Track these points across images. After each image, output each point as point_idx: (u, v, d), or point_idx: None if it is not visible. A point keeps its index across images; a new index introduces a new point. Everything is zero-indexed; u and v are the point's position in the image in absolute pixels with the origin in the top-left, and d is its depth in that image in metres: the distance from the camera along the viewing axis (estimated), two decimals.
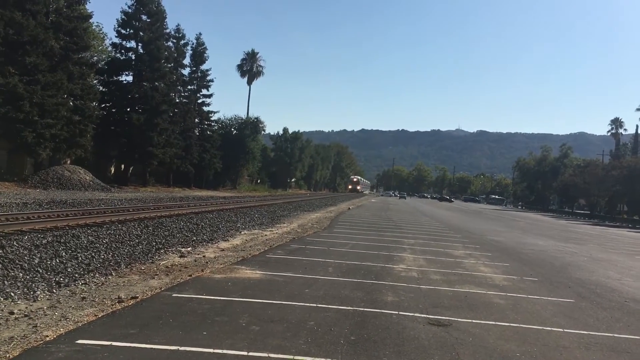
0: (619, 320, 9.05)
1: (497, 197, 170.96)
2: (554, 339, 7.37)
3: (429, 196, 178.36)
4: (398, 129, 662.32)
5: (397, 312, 8.18)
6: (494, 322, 8.03)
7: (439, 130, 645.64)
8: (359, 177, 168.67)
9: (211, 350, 5.76)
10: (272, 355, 5.76)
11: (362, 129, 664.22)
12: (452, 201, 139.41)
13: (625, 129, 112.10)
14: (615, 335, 7.92)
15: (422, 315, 8.12)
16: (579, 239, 31.34)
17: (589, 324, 8.50)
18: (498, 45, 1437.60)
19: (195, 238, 16.43)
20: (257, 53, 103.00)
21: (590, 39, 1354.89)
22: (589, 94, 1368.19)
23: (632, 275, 15.64)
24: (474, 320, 8.04)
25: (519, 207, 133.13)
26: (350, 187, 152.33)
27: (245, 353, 5.76)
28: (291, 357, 5.74)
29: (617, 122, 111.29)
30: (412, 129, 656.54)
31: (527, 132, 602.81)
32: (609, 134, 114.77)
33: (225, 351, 5.78)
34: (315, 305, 8.27)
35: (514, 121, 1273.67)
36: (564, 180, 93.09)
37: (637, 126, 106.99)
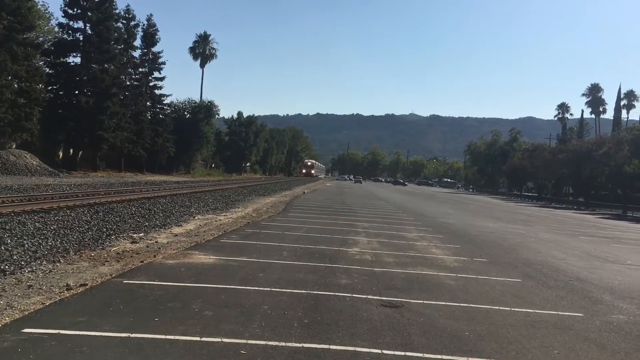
0: (563, 298, 9.39)
1: (449, 180, 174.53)
2: (501, 318, 7.60)
3: (383, 180, 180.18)
4: (353, 113, 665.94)
5: (350, 295, 8.27)
6: (444, 303, 8.21)
7: (393, 114, 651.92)
8: (314, 161, 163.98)
9: (163, 337, 5.70)
10: (225, 340, 5.74)
11: (317, 113, 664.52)
12: (406, 185, 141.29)
13: (571, 114, 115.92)
14: (560, 312, 8.21)
15: (375, 297, 8.23)
16: (526, 220, 32.30)
17: (535, 303, 8.78)
18: (450, 33, 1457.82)
19: (147, 223, 16.16)
20: (210, 35, 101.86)
21: (538, 27, 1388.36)
22: (537, 79, 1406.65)
23: (576, 255, 16.24)
24: (425, 301, 8.20)
25: (470, 190, 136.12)
26: (304, 171, 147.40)
27: (197, 338, 5.73)
28: (244, 341, 5.73)
29: (563, 107, 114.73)
30: (366, 113, 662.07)
31: (479, 116, 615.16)
32: (556, 118, 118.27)
33: (177, 337, 5.72)
34: (269, 289, 8.27)
35: (466, 106, 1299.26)
36: (513, 164, 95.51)
37: (582, 111, 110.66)
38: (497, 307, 8.21)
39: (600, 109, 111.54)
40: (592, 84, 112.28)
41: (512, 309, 8.21)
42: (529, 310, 8.16)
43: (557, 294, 9.74)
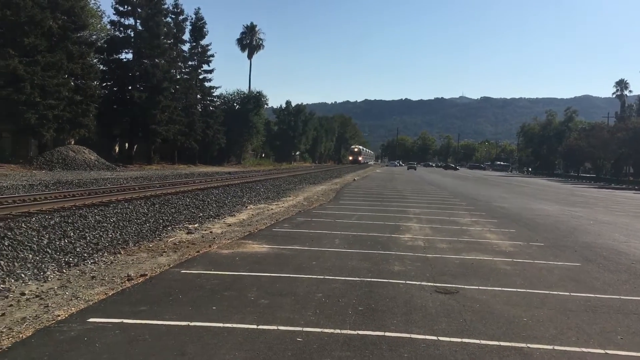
0: (626, 282, 9.08)
1: (502, 163, 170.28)
2: (560, 303, 7.41)
3: (434, 165, 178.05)
4: (401, 98, 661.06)
5: (404, 282, 8.23)
6: (500, 288, 8.08)
7: (442, 98, 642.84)
8: (361, 147, 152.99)
9: (221, 325, 5.83)
10: (281, 327, 5.83)
11: (366, 100, 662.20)
12: (458, 169, 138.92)
13: (630, 91, 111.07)
14: (622, 297, 7.95)
15: (429, 284, 8.17)
16: (584, 202, 31.30)
17: (596, 287, 8.53)
18: (500, 11, 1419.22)
19: (201, 214, 16.50)
20: (256, 26, 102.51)
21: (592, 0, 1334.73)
22: (593, 55, 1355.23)
23: (639, 237, 15.64)
24: (480, 287, 8.09)
25: (525, 172, 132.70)
26: (351, 158, 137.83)
27: (254, 326, 5.83)
28: (300, 329, 5.80)
29: (622, 84, 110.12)
30: (415, 98, 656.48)
31: (531, 96, 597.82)
32: (614, 95, 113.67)
33: (235, 325, 5.85)
34: (322, 277, 8.33)
35: (518, 86, 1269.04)
36: (569, 144, 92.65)
37: None
38: (556, 292, 8.01)
39: None
40: None
41: (572, 293, 7.99)
42: (589, 295, 7.93)
43: (619, 277, 9.43)
